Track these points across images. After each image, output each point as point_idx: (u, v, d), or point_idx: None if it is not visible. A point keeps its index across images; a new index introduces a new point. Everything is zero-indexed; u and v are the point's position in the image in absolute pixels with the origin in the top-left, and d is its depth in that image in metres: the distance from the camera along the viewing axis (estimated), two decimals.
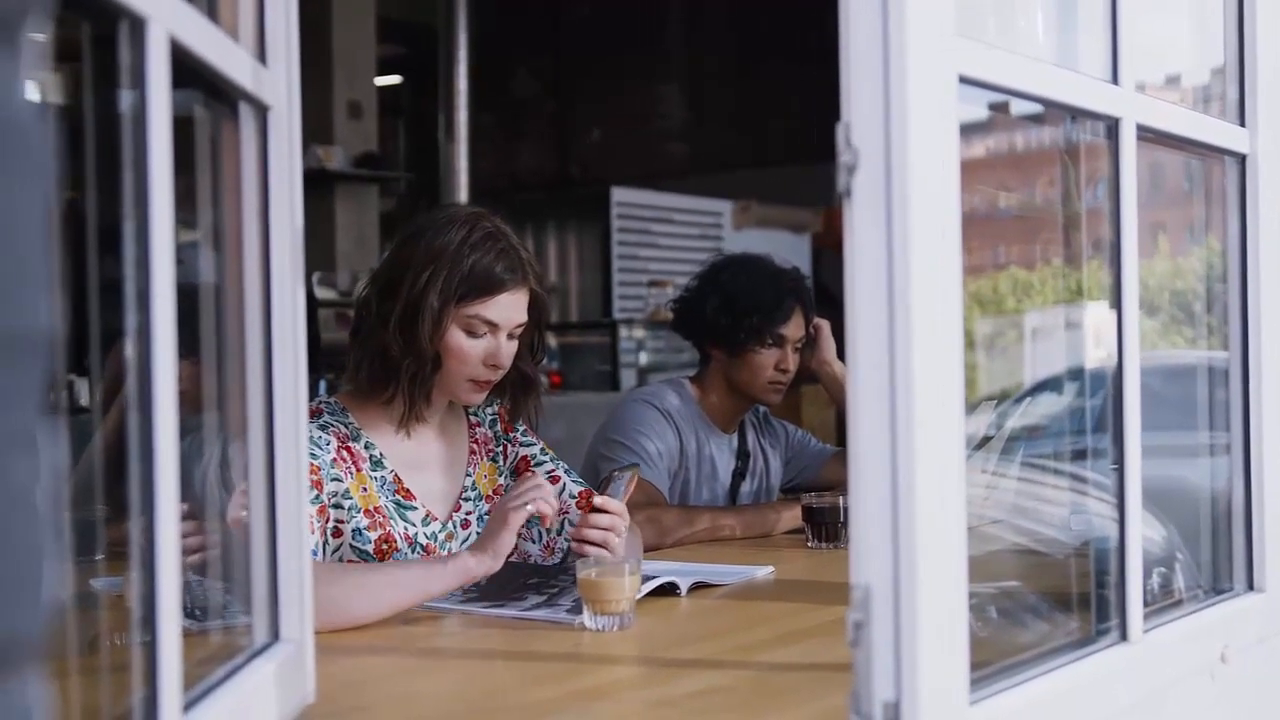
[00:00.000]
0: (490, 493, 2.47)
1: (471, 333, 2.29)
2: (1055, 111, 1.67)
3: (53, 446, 0.65)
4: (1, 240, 0.60)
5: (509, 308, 2.31)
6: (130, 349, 1.05)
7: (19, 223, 0.61)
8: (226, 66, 1.26)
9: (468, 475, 2.45)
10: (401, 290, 2.26)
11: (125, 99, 1.05)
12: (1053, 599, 1.81)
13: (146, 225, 1.04)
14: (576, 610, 2.00)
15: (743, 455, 3.27)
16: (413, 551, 2.30)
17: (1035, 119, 1.80)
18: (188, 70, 1.15)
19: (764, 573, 2.47)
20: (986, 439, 2.27)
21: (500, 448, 2.51)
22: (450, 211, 2.38)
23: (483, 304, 2.28)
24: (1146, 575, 1.68)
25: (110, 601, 1.48)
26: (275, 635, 1.43)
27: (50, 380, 0.65)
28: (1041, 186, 2.07)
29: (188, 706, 1.12)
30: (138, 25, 1.03)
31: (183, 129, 1.12)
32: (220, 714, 1.19)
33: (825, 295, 3.45)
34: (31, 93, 0.64)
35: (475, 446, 2.48)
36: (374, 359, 2.30)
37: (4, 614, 0.61)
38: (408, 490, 2.34)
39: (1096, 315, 1.91)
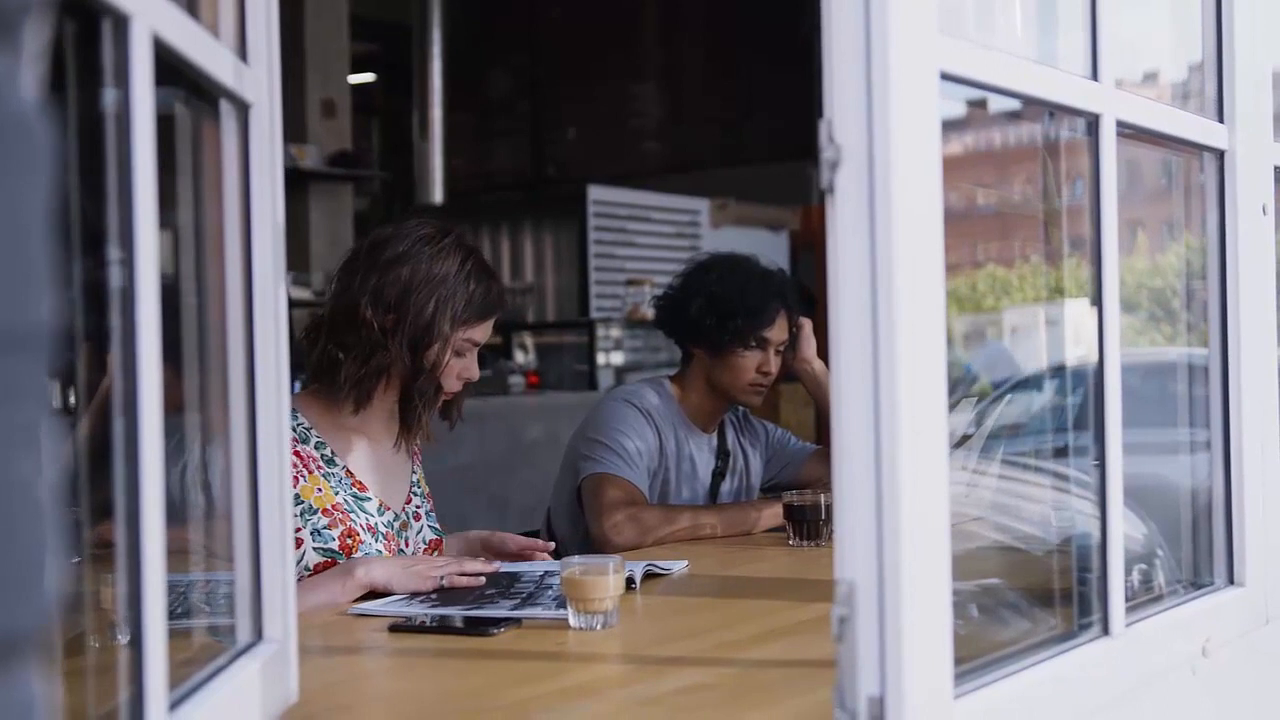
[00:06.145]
0: (426, 493, 2.61)
1: (458, 353, 2.43)
2: (1034, 108, 1.68)
3: (53, 441, 0.65)
4: (7, 236, 0.60)
5: (490, 329, 2.49)
6: (113, 350, 1.04)
7: (23, 219, 0.61)
8: (208, 64, 1.26)
9: (413, 473, 2.58)
10: (406, 314, 2.35)
11: (108, 97, 1.04)
12: (1035, 595, 1.81)
13: (131, 224, 1.03)
14: (562, 605, 1.99)
15: (723, 454, 3.27)
16: (375, 541, 2.39)
17: (1013, 115, 1.80)
18: (168, 68, 1.15)
19: (679, 567, 2.48)
20: (966, 437, 2.28)
21: (421, 460, 2.66)
22: (430, 233, 2.43)
23: (477, 328, 2.44)
24: (1127, 571, 1.69)
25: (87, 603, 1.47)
26: (259, 635, 1.43)
27: (48, 376, 0.65)
28: (1019, 184, 2.08)
29: (173, 706, 1.12)
30: (121, 23, 1.02)
31: (162, 127, 1.11)
32: (205, 713, 1.18)
33: (803, 294, 3.45)
34: (32, 90, 0.64)
35: (415, 449, 2.61)
36: (374, 376, 2.38)
37: (8, 609, 0.61)
38: (360, 483, 2.43)
39: (1075, 313, 1.92)
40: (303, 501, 2.32)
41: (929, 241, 1.26)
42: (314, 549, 2.31)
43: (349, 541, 2.34)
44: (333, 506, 2.35)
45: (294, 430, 2.36)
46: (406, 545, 2.47)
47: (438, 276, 2.37)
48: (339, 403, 2.41)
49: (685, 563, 2.51)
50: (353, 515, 2.37)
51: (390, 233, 2.42)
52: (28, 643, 0.62)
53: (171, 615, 1.15)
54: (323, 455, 2.39)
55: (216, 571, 1.50)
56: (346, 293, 2.39)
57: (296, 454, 2.33)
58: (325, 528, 2.33)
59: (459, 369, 2.43)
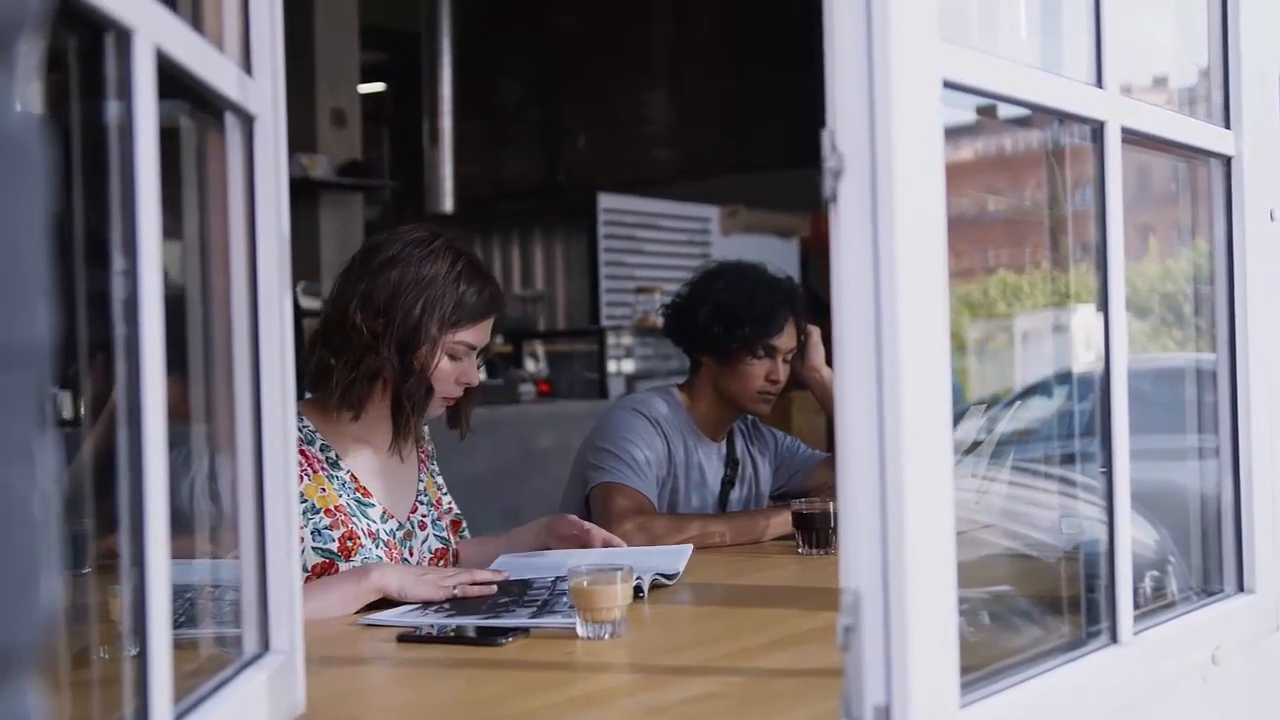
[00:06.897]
0: (434, 501, 2.60)
1: (453, 356, 2.42)
2: (1043, 115, 1.68)
3: (49, 457, 0.66)
4: (2, 252, 0.61)
5: (487, 332, 2.47)
6: (118, 361, 1.04)
7: (18, 234, 0.61)
8: (212, 77, 1.26)
9: (420, 481, 2.57)
10: (394, 317, 2.36)
11: (111, 110, 1.05)
12: (1044, 602, 1.81)
13: (134, 236, 1.04)
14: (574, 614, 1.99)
15: (732, 463, 3.27)
16: (376, 546, 2.39)
17: (1023, 122, 1.80)
18: (173, 81, 1.15)
19: (687, 553, 2.52)
20: (976, 443, 2.27)
21: (434, 465, 2.66)
22: (422, 237, 2.44)
23: (469, 331, 2.42)
24: (1139, 578, 1.68)
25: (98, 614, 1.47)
26: (265, 646, 1.43)
27: (46, 391, 0.66)
28: (1031, 190, 2.08)
29: (179, 717, 1.12)
30: (124, 36, 1.03)
31: (168, 139, 1.12)
32: None
33: (814, 301, 3.45)
34: (28, 105, 0.65)
35: (423, 457, 2.61)
36: (365, 380, 2.38)
37: (2, 623, 0.62)
38: (365, 488, 2.43)
39: (1086, 318, 1.91)
40: (306, 500, 2.32)
41: (931, 249, 1.26)
42: (313, 548, 2.31)
43: (349, 544, 2.34)
44: (335, 508, 2.35)
45: (299, 432, 2.36)
46: (411, 554, 2.47)
47: (426, 278, 2.37)
48: (337, 410, 2.41)
49: (689, 547, 2.55)
50: (355, 519, 2.37)
51: (383, 238, 2.44)
52: (23, 656, 0.62)
53: (177, 624, 1.15)
54: (328, 458, 2.40)
55: (222, 570, 1.50)
56: (339, 299, 2.41)
57: (302, 453, 2.34)
58: (326, 528, 2.33)
59: (456, 373, 2.42)
